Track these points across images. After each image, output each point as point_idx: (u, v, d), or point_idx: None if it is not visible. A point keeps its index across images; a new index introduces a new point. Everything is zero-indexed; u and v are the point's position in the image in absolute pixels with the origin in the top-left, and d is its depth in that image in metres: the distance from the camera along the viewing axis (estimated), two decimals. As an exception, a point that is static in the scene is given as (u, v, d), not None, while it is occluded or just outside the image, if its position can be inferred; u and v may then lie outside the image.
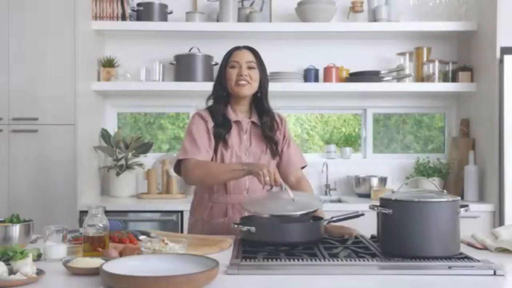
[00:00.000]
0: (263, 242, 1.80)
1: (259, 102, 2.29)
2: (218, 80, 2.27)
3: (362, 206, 2.75)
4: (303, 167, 2.40)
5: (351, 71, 3.74)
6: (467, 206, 1.73)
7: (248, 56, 2.23)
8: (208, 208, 2.25)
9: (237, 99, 2.25)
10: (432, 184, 1.92)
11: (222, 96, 2.25)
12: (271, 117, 2.31)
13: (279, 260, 1.63)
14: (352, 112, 4.11)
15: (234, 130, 2.25)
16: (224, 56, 2.28)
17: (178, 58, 3.70)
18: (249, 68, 2.21)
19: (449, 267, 1.55)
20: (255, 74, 2.22)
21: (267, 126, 2.29)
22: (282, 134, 2.34)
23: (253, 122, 2.28)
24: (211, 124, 2.22)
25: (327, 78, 3.69)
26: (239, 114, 2.27)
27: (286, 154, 2.33)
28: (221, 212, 2.23)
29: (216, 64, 3.60)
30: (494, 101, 3.30)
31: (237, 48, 2.27)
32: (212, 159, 2.21)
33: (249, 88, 2.21)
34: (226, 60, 2.25)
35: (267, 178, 1.95)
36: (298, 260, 1.62)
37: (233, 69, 2.21)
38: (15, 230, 1.79)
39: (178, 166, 2.23)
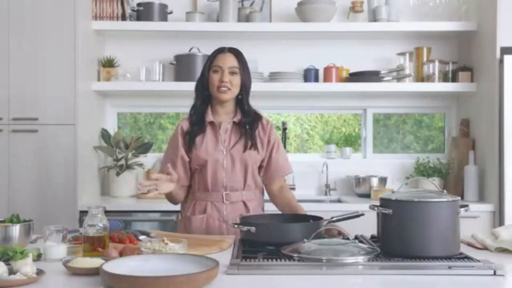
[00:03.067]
0: (263, 242, 1.80)
1: (240, 104, 2.34)
2: (201, 80, 2.33)
3: (362, 206, 2.74)
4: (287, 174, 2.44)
5: (351, 71, 3.74)
6: (467, 206, 1.73)
7: (231, 61, 2.28)
8: (191, 206, 2.33)
9: (219, 101, 2.31)
10: (432, 184, 1.92)
11: (204, 95, 2.33)
12: (252, 118, 2.34)
13: (279, 260, 1.63)
14: (352, 112, 4.11)
15: (209, 130, 2.31)
16: (209, 56, 2.34)
17: (178, 58, 3.70)
18: (231, 73, 2.26)
19: (449, 267, 1.55)
20: (236, 79, 2.27)
21: (247, 123, 2.32)
22: (267, 137, 2.36)
23: (234, 122, 2.32)
24: (186, 126, 2.32)
25: (327, 78, 3.69)
26: (222, 115, 2.33)
27: (274, 160, 2.35)
28: (201, 209, 2.30)
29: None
30: (494, 101, 3.30)
31: (221, 51, 2.31)
32: (183, 160, 2.29)
33: (229, 94, 2.27)
34: (210, 62, 2.30)
35: None
36: (298, 260, 1.62)
37: (215, 74, 2.27)
38: (15, 230, 1.80)
39: None
